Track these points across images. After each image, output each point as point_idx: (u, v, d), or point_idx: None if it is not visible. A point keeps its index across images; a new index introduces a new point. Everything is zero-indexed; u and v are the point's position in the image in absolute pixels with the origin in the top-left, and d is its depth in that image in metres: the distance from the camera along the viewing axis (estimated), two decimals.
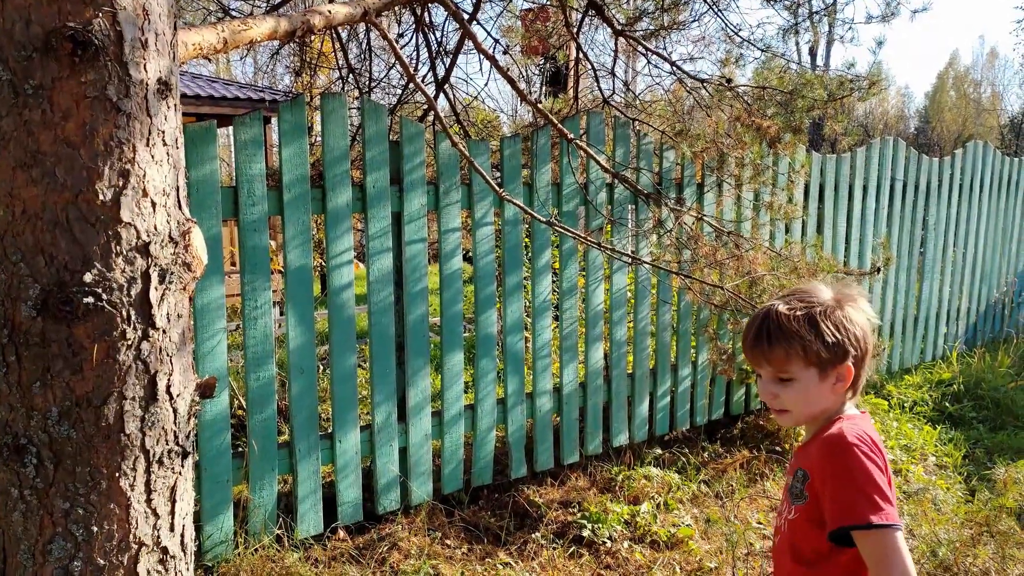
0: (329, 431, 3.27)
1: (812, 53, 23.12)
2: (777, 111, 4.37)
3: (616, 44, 4.43)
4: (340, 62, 4.49)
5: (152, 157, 1.49)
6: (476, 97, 5.11)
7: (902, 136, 32.20)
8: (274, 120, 11.78)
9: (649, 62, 4.25)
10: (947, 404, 5.20)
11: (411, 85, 3.48)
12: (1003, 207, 6.75)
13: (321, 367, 4.85)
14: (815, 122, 5.54)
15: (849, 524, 1.34)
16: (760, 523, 3.60)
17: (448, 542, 3.31)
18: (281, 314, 8.26)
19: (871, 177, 5.45)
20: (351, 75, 4.44)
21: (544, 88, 6.77)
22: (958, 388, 5.37)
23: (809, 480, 1.44)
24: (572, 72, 5.12)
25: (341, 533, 3.26)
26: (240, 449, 3.08)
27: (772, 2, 4.69)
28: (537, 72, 7.66)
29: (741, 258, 3.68)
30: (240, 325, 3.04)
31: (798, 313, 1.43)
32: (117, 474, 1.49)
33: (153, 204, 1.50)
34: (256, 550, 3.00)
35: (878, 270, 4.22)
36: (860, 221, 5.42)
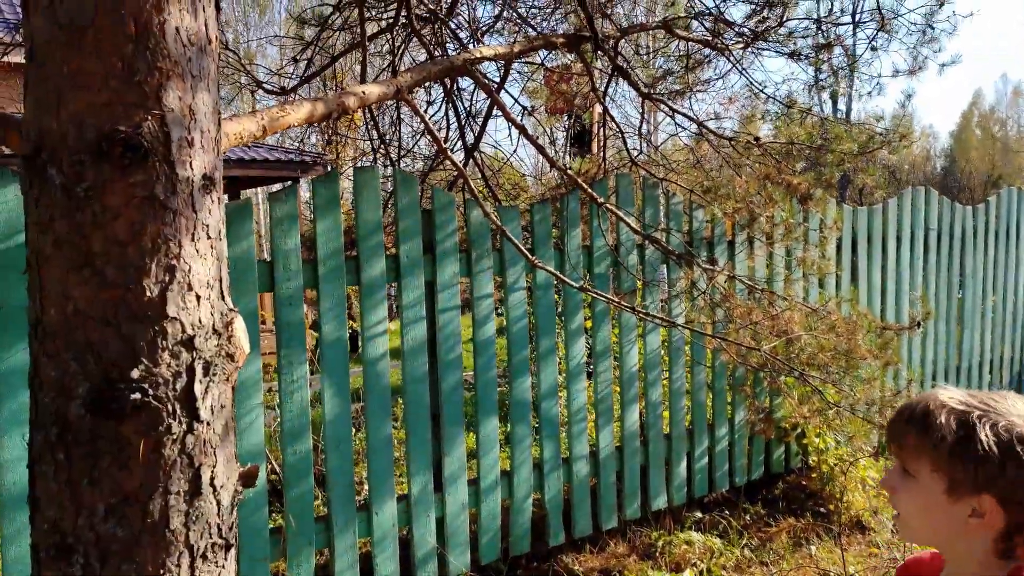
0: (365, 500, 3.24)
1: (833, 100, 23.19)
2: (806, 166, 4.36)
3: (643, 105, 4.47)
4: (371, 132, 4.58)
5: (197, 251, 1.51)
6: (506, 162, 5.16)
7: (929, 178, 32.00)
8: (302, 181, 12.00)
9: (676, 124, 4.28)
10: None
11: (442, 155, 3.54)
12: None
13: (355, 428, 4.83)
14: (843, 173, 5.52)
15: None
16: None
17: None
18: (312, 373, 8.25)
19: (904, 227, 5.39)
20: (382, 144, 4.51)
21: (569, 148, 6.83)
22: None
23: None
24: (599, 134, 5.17)
25: None
26: (275, 514, 3.06)
27: (797, 59, 4.71)
28: (562, 130, 7.75)
29: (777, 317, 3.64)
30: (273, 387, 3.05)
31: (960, 408, 1.11)
32: (162, 571, 1.48)
33: (198, 297, 1.51)
34: None
35: (919, 324, 4.15)
36: (895, 272, 5.35)
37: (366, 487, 3.30)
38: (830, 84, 5.36)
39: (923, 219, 5.54)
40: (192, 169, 1.49)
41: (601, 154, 4.82)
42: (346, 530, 3.11)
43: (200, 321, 1.52)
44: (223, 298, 1.61)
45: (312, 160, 11.67)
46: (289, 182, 11.52)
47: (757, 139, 4.13)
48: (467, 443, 3.86)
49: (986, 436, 1.07)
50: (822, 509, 4.23)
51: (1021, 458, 1.05)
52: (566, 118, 7.01)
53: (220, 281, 1.60)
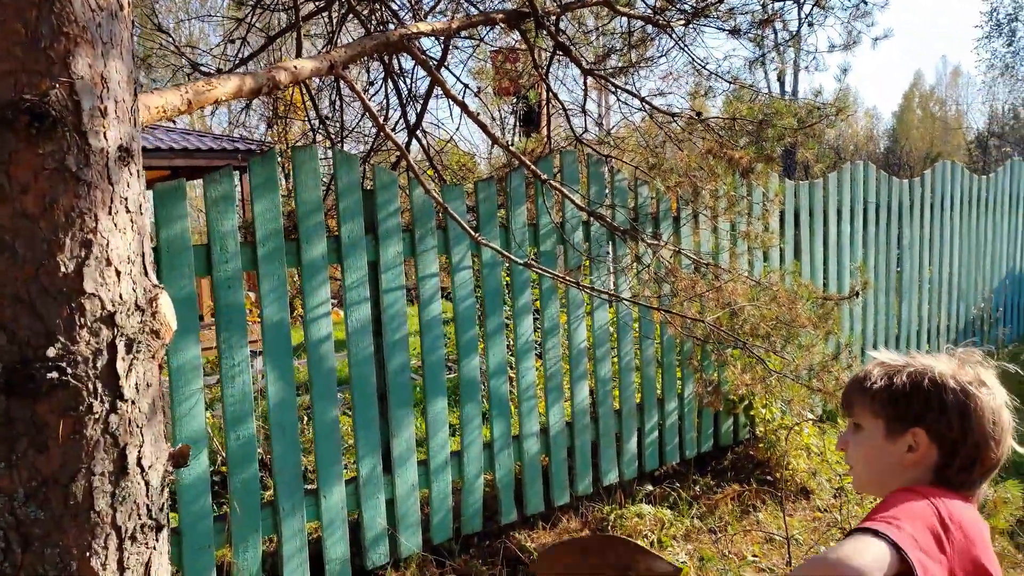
0: (313, 486, 3.20)
1: (780, 80, 23.53)
2: (749, 141, 4.41)
3: (585, 82, 4.47)
4: (309, 113, 4.50)
5: (115, 225, 1.47)
6: (449, 141, 5.13)
7: (872, 157, 32.71)
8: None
9: (619, 99, 4.29)
10: None
11: (382, 133, 3.49)
12: (974, 224, 6.83)
13: (304, 418, 4.78)
14: (787, 149, 5.60)
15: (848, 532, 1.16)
16: (755, 556, 3.55)
17: None
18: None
19: (844, 201, 5.50)
20: (322, 125, 4.44)
21: (518, 128, 6.81)
22: None
23: None
24: (544, 112, 5.16)
25: None
26: (223, 506, 3.01)
27: (737, 35, 4.75)
28: (510, 112, 7.72)
29: (721, 289, 3.68)
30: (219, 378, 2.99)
31: (888, 362, 1.30)
32: (88, 553, 1.44)
33: (117, 272, 1.47)
34: None
35: (857, 294, 4.24)
36: (836, 245, 5.46)
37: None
38: (771, 60, 5.42)
39: (862, 193, 5.66)
40: (106, 140, 1.44)
41: (547, 132, 4.81)
42: (293, 515, 3.07)
43: (121, 297, 1.47)
44: (146, 274, 1.56)
45: (259, 148, 11.44)
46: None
47: (699, 114, 4.16)
48: (417, 425, 3.85)
49: (905, 378, 1.26)
50: (769, 477, 4.31)
51: (943, 396, 1.23)
52: (514, 99, 6.99)
53: (142, 256, 1.55)
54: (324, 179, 4.31)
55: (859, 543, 1.08)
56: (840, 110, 4.46)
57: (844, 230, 5.51)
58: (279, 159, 3.62)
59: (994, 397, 1.24)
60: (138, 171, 1.55)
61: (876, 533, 1.07)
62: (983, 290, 7.03)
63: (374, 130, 4.97)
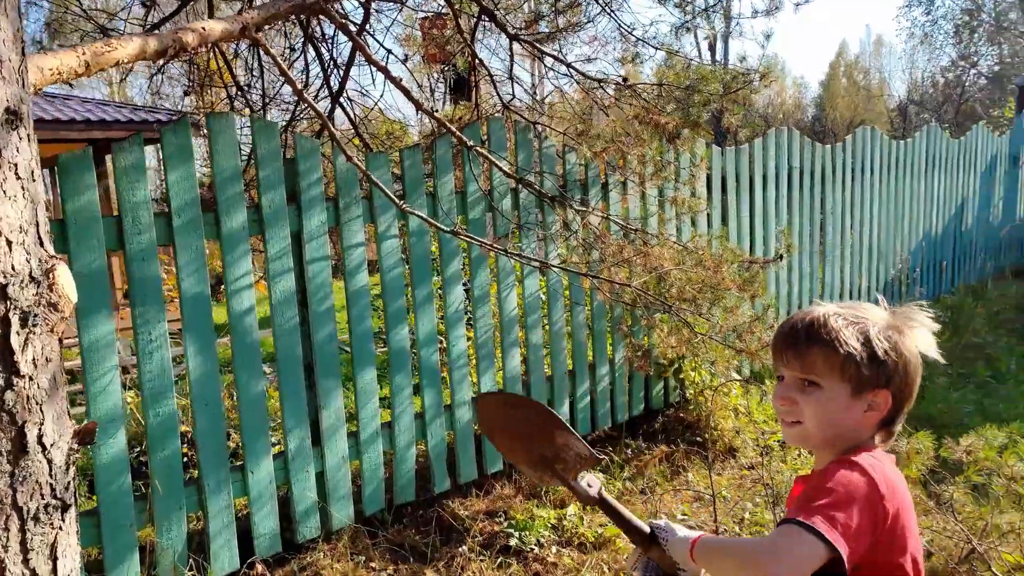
0: (241, 462, 3.14)
1: (712, 49, 23.82)
2: (676, 107, 4.45)
3: (511, 48, 4.43)
4: (224, 79, 4.35)
5: (3, 192, 1.39)
6: (374, 108, 5.03)
7: (800, 125, 33.44)
8: None
9: (546, 65, 4.26)
10: None
11: (303, 101, 3.39)
12: (893, 188, 7.06)
13: (232, 395, 4.68)
14: (716, 116, 5.66)
15: (784, 520, 1.17)
16: (685, 515, 3.64)
17: (373, 565, 3.23)
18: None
19: (769, 166, 5.61)
20: (240, 93, 4.29)
21: (448, 96, 6.72)
22: None
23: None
24: (472, 79, 5.10)
25: (259, 567, 3.14)
26: (148, 486, 2.94)
27: (663, 1, 4.77)
28: (440, 80, 7.61)
29: (648, 254, 3.72)
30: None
31: (851, 320, 1.27)
32: None
33: (8, 243, 1.39)
34: None
35: (781, 257, 4.34)
36: (763, 210, 5.57)
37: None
38: (700, 27, 5.46)
39: (787, 158, 5.77)
40: None
41: (474, 99, 4.76)
42: (219, 491, 3.01)
43: (13, 268, 1.40)
44: (42, 244, 1.48)
45: (178, 118, 11.04)
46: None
47: (625, 80, 4.17)
48: (347, 397, 3.81)
49: (885, 342, 1.26)
50: (698, 438, 4.41)
51: (908, 361, 1.27)
52: (443, 67, 6.88)
53: (37, 226, 1.47)
54: (245, 149, 4.18)
55: (789, 541, 1.13)
56: (764, 75, 4.54)
57: (770, 195, 5.63)
58: (197, 128, 3.50)
59: (922, 348, 1.30)
60: (28, 135, 1.46)
61: (809, 528, 1.12)
62: (901, 251, 7.29)
63: (295, 98, 4.84)
